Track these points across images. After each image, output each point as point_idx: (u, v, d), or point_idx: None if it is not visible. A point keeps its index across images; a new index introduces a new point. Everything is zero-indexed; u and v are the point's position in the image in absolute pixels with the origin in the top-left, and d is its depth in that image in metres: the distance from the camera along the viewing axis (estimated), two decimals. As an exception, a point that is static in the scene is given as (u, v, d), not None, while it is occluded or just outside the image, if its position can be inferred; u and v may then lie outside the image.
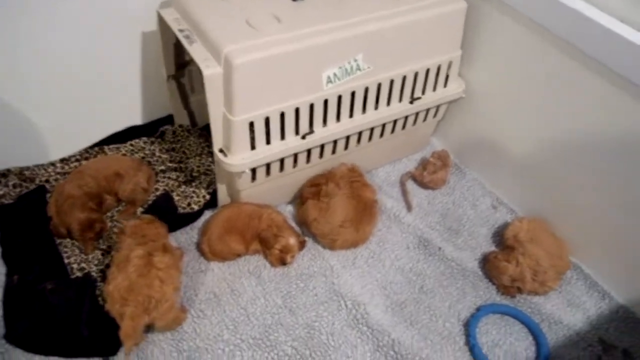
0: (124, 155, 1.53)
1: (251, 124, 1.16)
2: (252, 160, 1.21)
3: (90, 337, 1.13)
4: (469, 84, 1.48)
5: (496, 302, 1.29)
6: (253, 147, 1.21)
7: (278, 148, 1.24)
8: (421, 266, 1.36)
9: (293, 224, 1.41)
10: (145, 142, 1.59)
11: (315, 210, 1.34)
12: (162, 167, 1.52)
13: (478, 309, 1.26)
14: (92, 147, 1.55)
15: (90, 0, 1.28)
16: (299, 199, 1.44)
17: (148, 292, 1.07)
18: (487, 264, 1.33)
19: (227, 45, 1.08)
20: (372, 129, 1.41)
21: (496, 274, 1.30)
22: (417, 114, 1.47)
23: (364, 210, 1.36)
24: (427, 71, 1.38)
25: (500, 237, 1.41)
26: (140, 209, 1.41)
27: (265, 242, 1.29)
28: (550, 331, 1.24)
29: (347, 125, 1.32)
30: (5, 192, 1.38)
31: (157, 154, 1.56)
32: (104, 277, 1.23)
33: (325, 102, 1.24)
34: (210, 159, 1.54)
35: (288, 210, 1.47)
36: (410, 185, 1.58)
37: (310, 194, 1.39)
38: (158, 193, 1.45)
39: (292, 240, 1.29)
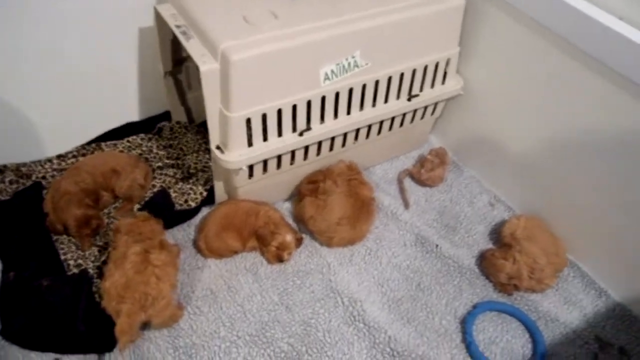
0: (121, 151, 1.53)
1: (248, 121, 1.16)
2: (249, 157, 1.21)
3: (87, 334, 1.13)
4: (467, 81, 1.48)
5: (493, 299, 1.29)
6: (250, 143, 1.21)
7: (275, 145, 1.23)
8: (418, 263, 1.36)
9: (290, 221, 1.41)
10: (142, 139, 1.58)
11: (313, 208, 1.34)
12: (159, 164, 1.52)
13: (475, 307, 1.26)
14: (89, 143, 1.54)
15: (88, -4, 1.28)
16: (297, 196, 1.44)
17: (144, 289, 1.07)
18: (484, 262, 1.34)
19: (224, 41, 1.08)
20: (369, 126, 1.40)
21: (493, 272, 1.30)
22: (414, 111, 1.47)
23: (361, 208, 1.36)
24: (425, 68, 1.38)
25: (497, 234, 1.41)
26: (137, 206, 1.40)
27: (262, 239, 1.29)
28: (547, 329, 1.24)
29: (344, 123, 1.32)
30: (1, 188, 1.38)
31: (155, 150, 1.56)
32: (100, 274, 1.23)
33: (323, 99, 1.24)
34: (207, 156, 1.54)
35: (285, 207, 1.47)
36: (408, 182, 1.57)
37: (308, 190, 1.39)
38: (155, 190, 1.44)
39: (289, 238, 1.29)
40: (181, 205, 1.41)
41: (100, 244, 1.32)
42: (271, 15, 1.17)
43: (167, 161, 1.53)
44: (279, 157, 1.29)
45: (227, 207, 1.35)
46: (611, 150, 1.18)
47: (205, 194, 1.43)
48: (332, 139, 1.35)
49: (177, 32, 1.16)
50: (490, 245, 1.41)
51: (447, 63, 1.42)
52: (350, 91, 1.27)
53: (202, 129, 1.62)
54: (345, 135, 1.37)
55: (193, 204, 1.41)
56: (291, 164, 1.35)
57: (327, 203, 1.33)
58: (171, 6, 1.23)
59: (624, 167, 1.17)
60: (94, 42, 1.36)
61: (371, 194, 1.41)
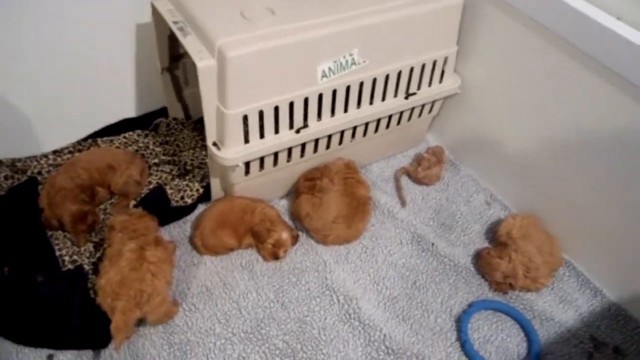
0: (117, 147, 1.53)
1: (245, 118, 1.16)
2: (246, 154, 1.20)
3: (81, 330, 1.12)
4: (465, 80, 1.48)
5: (488, 298, 1.29)
6: (247, 140, 1.21)
7: (272, 142, 1.23)
8: (414, 262, 1.36)
9: (287, 219, 1.41)
10: (139, 135, 1.58)
11: (309, 205, 1.34)
12: (156, 160, 1.51)
13: (470, 305, 1.27)
14: (85, 139, 1.54)
15: (84, -9, 1.27)
16: (295, 193, 1.44)
17: (140, 286, 1.07)
18: (480, 260, 1.34)
19: (221, 37, 1.07)
20: (366, 124, 1.40)
21: (489, 270, 1.30)
22: (412, 109, 1.47)
23: (357, 207, 1.36)
24: (423, 66, 1.37)
25: (493, 233, 1.41)
26: (133, 202, 1.40)
27: (258, 236, 1.29)
28: (542, 328, 1.24)
29: (341, 120, 1.31)
30: (-4, 183, 1.38)
31: (151, 146, 1.55)
32: (95, 270, 1.23)
33: (320, 96, 1.24)
34: (204, 153, 1.53)
35: (282, 205, 1.47)
36: (405, 181, 1.57)
37: (305, 188, 1.38)
38: (151, 186, 1.44)
39: (285, 235, 1.29)
40: (177, 201, 1.40)
41: (96, 240, 1.31)
42: (269, 11, 1.16)
43: (164, 157, 1.53)
44: (276, 155, 1.29)
45: (223, 204, 1.34)
46: (608, 150, 1.18)
47: (201, 190, 1.43)
48: (329, 136, 1.35)
49: (174, 28, 1.15)
50: (486, 244, 1.41)
51: (445, 62, 1.41)
52: (348, 89, 1.27)
53: (198, 125, 1.62)
54: (342, 133, 1.37)
55: (189, 201, 1.41)
56: (288, 161, 1.35)
57: (323, 201, 1.33)
58: (168, 2, 1.22)
59: (621, 167, 1.17)
60: (91, 38, 1.35)
61: (368, 193, 1.41)
